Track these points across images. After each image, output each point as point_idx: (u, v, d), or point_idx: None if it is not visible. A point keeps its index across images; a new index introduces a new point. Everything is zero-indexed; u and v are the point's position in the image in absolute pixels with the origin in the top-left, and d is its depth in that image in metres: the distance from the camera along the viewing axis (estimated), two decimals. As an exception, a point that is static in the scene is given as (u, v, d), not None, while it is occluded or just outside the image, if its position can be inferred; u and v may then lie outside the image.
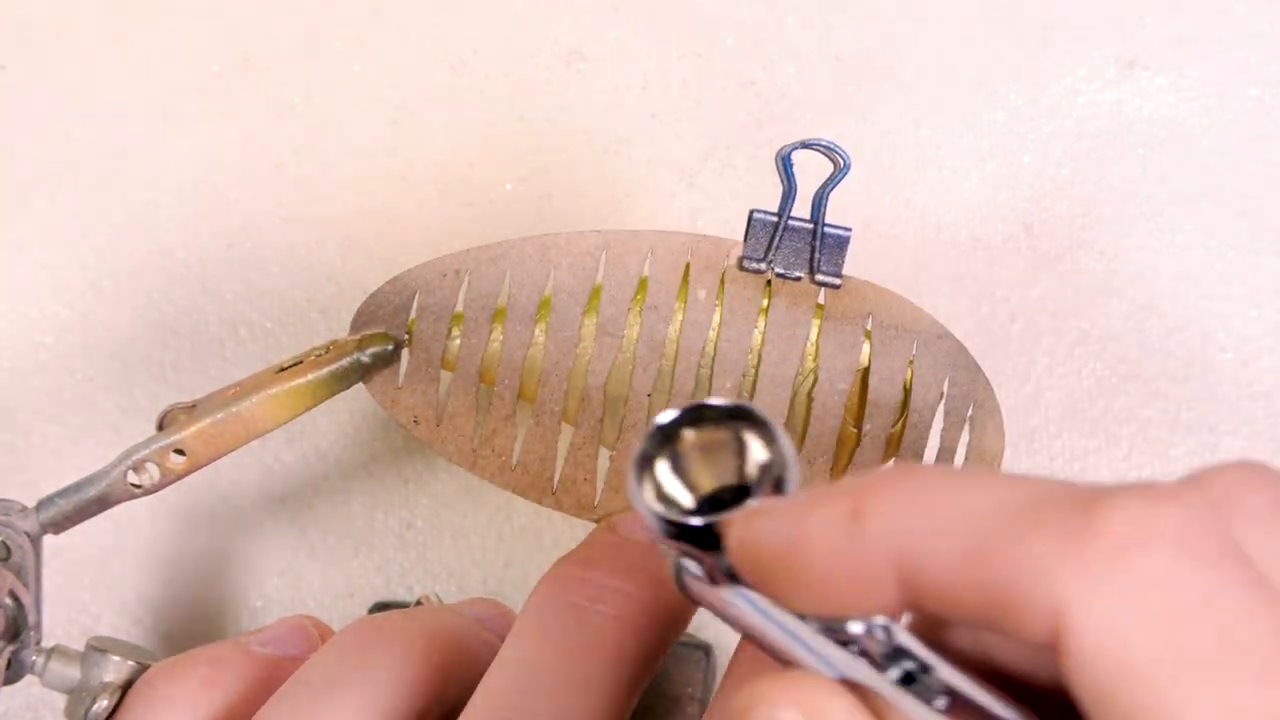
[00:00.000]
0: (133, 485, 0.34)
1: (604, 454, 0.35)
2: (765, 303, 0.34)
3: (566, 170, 0.45)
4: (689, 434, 0.25)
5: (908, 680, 0.21)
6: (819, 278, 0.34)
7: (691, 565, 0.25)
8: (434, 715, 0.32)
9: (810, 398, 0.34)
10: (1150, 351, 0.44)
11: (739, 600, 0.24)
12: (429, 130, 0.45)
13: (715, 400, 0.25)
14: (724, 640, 0.43)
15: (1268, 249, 0.44)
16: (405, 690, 0.31)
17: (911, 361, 0.34)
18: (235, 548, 0.45)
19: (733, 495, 0.24)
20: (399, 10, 0.45)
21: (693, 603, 0.26)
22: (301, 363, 0.35)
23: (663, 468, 0.25)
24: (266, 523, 0.45)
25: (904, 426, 0.34)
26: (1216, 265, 0.44)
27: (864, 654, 0.22)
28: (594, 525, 0.34)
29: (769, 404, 0.34)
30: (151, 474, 0.34)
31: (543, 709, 0.29)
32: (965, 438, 0.35)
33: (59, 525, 0.34)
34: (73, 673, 0.34)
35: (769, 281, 0.34)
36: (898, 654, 0.22)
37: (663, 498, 0.25)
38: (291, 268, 0.45)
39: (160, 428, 0.34)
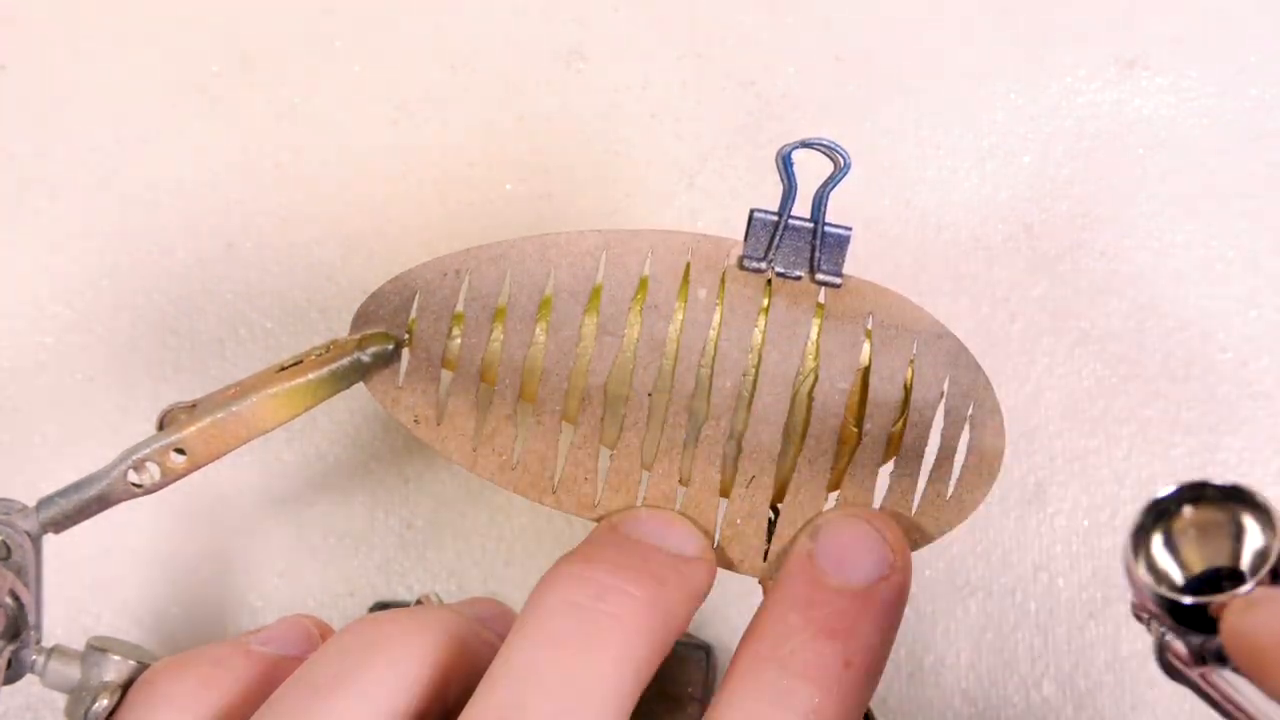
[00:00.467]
0: (133, 485, 0.34)
1: (604, 453, 0.35)
2: (765, 302, 0.34)
3: (566, 170, 0.45)
4: (1187, 511, 0.25)
5: None
6: (819, 277, 0.34)
7: (1176, 644, 0.25)
8: (434, 714, 0.32)
9: (810, 397, 0.34)
10: (1150, 351, 0.44)
11: (1230, 686, 0.24)
12: (429, 130, 0.45)
13: (1216, 480, 0.25)
14: (724, 640, 0.43)
15: (1268, 249, 0.44)
16: (405, 689, 0.31)
17: (912, 361, 0.34)
18: (235, 548, 0.45)
19: (1226, 577, 0.25)
20: (399, 10, 0.45)
21: (1172, 679, 0.26)
22: (302, 362, 0.35)
23: (1157, 542, 0.25)
24: (266, 523, 0.45)
25: (904, 426, 0.34)
26: (1216, 265, 0.44)
27: None
28: (594, 524, 0.34)
29: (769, 403, 0.34)
30: (152, 473, 0.34)
31: (544, 709, 0.29)
32: (965, 437, 0.35)
33: (59, 524, 0.34)
34: (73, 672, 0.34)
35: (769, 281, 0.34)
36: None
37: (1154, 571, 0.25)
38: (291, 268, 0.45)
39: (160, 427, 0.34)
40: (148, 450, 0.34)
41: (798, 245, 0.34)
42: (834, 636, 0.30)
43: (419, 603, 0.39)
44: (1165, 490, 0.25)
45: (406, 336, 0.35)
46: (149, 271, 0.45)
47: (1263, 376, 0.44)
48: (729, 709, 0.30)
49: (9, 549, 0.33)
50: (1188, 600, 0.25)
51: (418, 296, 0.35)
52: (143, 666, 0.34)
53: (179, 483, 0.34)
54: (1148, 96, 0.45)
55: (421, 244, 0.45)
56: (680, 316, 0.34)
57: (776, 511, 0.35)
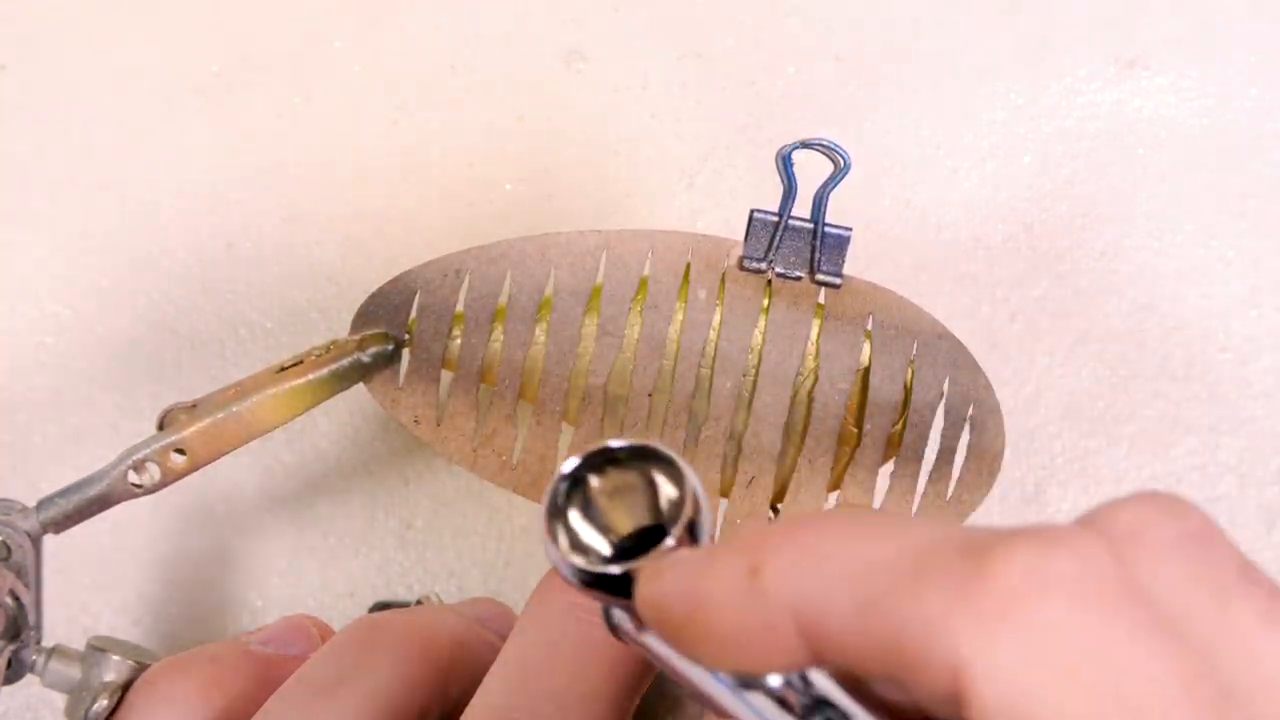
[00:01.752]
0: (133, 485, 0.34)
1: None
2: (766, 302, 0.34)
3: (566, 170, 0.45)
4: (595, 480, 0.24)
5: None
6: (819, 277, 0.34)
7: (618, 611, 0.25)
8: (435, 715, 0.32)
9: (811, 397, 0.34)
10: (1150, 351, 0.44)
11: (661, 649, 0.24)
12: (429, 130, 0.45)
13: (616, 441, 0.24)
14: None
15: (1268, 249, 0.44)
16: (406, 690, 0.31)
17: (912, 361, 0.34)
18: (235, 548, 0.45)
19: (650, 538, 0.24)
20: (399, 10, 0.45)
21: (626, 644, 0.26)
22: (302, 362, 0.35)
23: (575, 516, 0.24)
24: (266, 523, 0.45)
25: (904, 426, 0.34)
26: (1216, 265, 0.44)
27: (784, 704, 0.21)
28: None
29: (769, 403, 0.34)
30: (152, 473, 0.34)
31: (544, 709, 0.29)
32: (965, 437, 0.35)
33: (59, 525, 0.34)
34: (73, 672, 0.34)
35: (769, 281, 0.34)
36: (818, 705, 0.21)
37: (578, 547, 0.24)
38: (291, 268, 0.45)
39: (161, 427, 0.34)
40: (148, 450, 0.34)
41: (798, 246, 0.34)
42: None
43: (419, 603, 0.39)
44: (570, 463, 0.24)
45: (406, 337, 0.35)
46: (149, 271, 0.45)
47: (1263, 376, 0.44)
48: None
49: (9, 549, 0.33)
50: (613, 570, 0.24)
51: (418, 297, 0.35)
52: (143, 666, 0.34)
53: (179, 483, 0.34)
54: (1148, 96, 0.45)
55: (421, 244, 0.45)
56: (680, 317, 0.34)
57: (777, 512, 0.35)
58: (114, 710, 0.33)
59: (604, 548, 0.24)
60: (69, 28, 0.45)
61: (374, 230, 0.45)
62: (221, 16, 0.45)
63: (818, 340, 0.34)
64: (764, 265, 0.34)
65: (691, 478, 0.24)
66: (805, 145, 0.33)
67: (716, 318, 0.34)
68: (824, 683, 0.21)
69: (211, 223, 0.45)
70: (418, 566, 0.45)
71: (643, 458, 0.24)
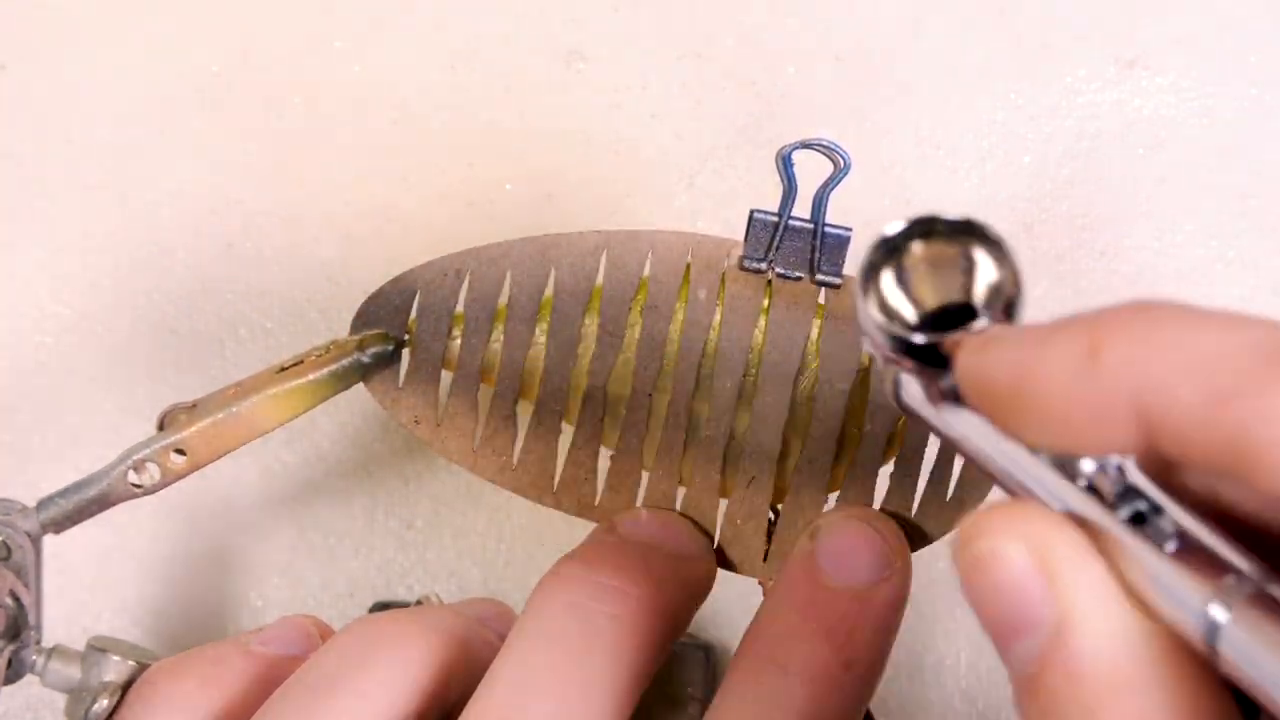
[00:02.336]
0: (133, 485, 0.34)
1: (604, 453, 0.35)
2: (766, 302, 0.34)
3: (566, 170, 0.45)
4: (916, 247, 0.24)
5: (1138, 520, 0.21)
6: (819, 278, 0.34)
7: (911, 383, 0.24)
8: (434, 715, 0.32)
9: (811, 397, 0.34)
10: (1150, 351, 0.44)
11: (964, 424, 0.23)
12: (429, 130, 0.45)
13: (946, 214, 0.24)
14: (724, 640, 0.43)
15: (1268, 249, 0.44)
16: (405, 689, 0.31)
17: (912, 361, 0.34)
18: (235, 548, 0.45)
19: (959, 314, 0.23)
20: (399, 10, 0.45)
21: (910, 418, 0.25)
22: (302, 362, 0.35)
23: (887, 280, 0.24)
24: (266, 523, 0.45)
25: (904, 426, 0.34)
26: (1216, 265, 0.44)
27: (1094, 490, 0.21)
28: (594, 525, 0.34)
29: (769, 403, 0.34)
30: (152, 474, 0.34)
31: (544, 709, 0.29)
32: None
33: (59, 525, 0.34)
34: (73, 672, 0.34)
35: (769, 281, 0.34)
36: (1129, 493, 0.21)
37: (886, 310, 0.24)
38: (291, 268, 0.45)
39: (161, 428, 0.34)
40: (148, 450, 0.34)
41: (798, 246, 0.34)
42: (834, 637, 0.30)
43: (419, 603, 0.39)
44: (894, 226, 0.24)
45: (406, 337, 0.35)
46: (149, 271, 0.45)
47: (1263, 377, 0.44)
48: (729, 709, 0.30)
49: (9, 549, 0.33)
50: (920, 339, 0.23)
51: (418, 297, 0.35)
52: (143, 667, 0.34)
53: (179, 483, 0.34)
54: (1148, 96, 0.45)
55: (421, 244, 0.45)
56: (680, 317, 0.34)
57: (777, 512, 0.35)
58: (114, 710, 0.33)
59: (912, 315, 0.24)
60: (69, 28, 0.45)
61: (374, 230, 0.45)
62: (221, 16, 0.45)
63: (818, 340, 0.34)
64: (764, 265, 0.34)
65: (1014, 259, 0.23)
66: (805, 145, 0.33)
67: (716, 318, 0.34)
68: (1136, 473, 0.21)
69: (211, 223, 0.45)
70: (418, 566, 0.45)
71: (968, 234, 0.24)
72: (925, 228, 0.24)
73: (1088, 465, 0.21)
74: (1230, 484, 0.21)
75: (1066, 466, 0.22)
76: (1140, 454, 0.21)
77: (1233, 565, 0.20)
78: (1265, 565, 0.20)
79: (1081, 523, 0.21)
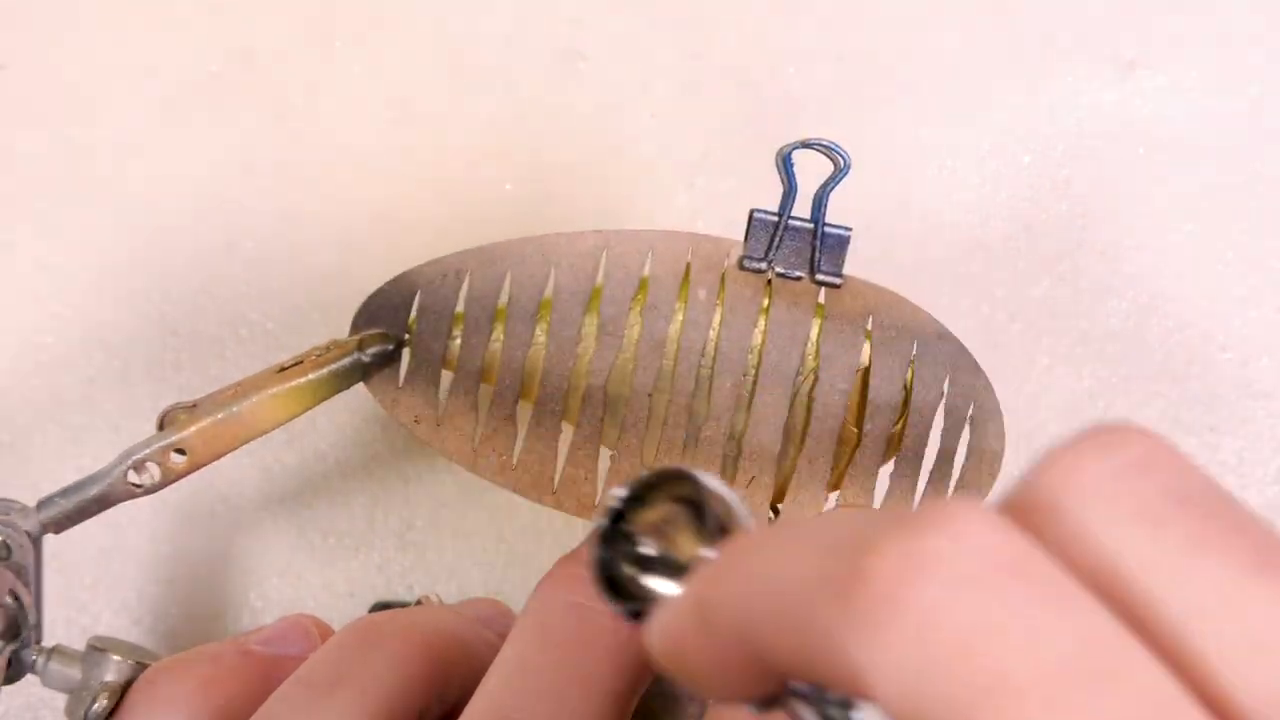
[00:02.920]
0: (133, 485, 0.34)
1: (604, 453, 0.35)
2: (766, 302, 0.34)
3: (566, 170, 0.45)
4: (637, 521, 0.24)
5: None
6: (819, 277, 0.34)
7: None
8: (434, 715, 0.32)
9: (811, 397, 0.34)
10: (1150, 351, 0.44)
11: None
12: (429, 130, 0.45)
13: (622, 489, 0.24)
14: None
15: (1268, 249, 0.44)
16: (405, 689, 0.31)
17: (912, 361, 0.34)
18: (235, 548, 0.45)
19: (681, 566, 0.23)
20: (399, 10, 0.45)
21: None
22: (302, 362, 0.35)
23: (629, 571, 0.24)
24: (266, 523, 0.44)
25: (904, 426, 0.34)
26: (1216, 265, 0.44)
27: (813, 702, 0.20)
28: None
29: (769, 403, 0.34)
30: (152, 473, 0.34)
31: (544, 709, 0.29)
32: (965, 438, 0.35)
33: (59, 524, 0.34)
34: (73, 672, 0.34)
35: (769, 281, 0.34)
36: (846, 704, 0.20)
37: (641, 594, 0.23)
38: (291, 268, 0.45)
39: (161, 427, 0.34)
40: (148, 450, 0.34)
41: (798, 245, 0.34)
42: None
43: (419, 603, 0.39)
44: (599, 521, 0.23)
45: (407, 336, 0.35)
46: (149, 271, 0.45)
47: (1263, 376, 0.44)
48: (730, 708, 0.30)
49: (9, 549, 0.33)
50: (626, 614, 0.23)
51: (418, 296, 0.35)
52: (143, 666, 0.34)
53: (179, 483, 0.34)
54: (1148, 96, 0.45)
55: (421, 244, 0.45)
56: (680, 317, 0.34)
57: (777, 511, 0.35)
58: (114, 710, 0.33)
59: (660, 587, 0.24)
60: (69, 28, 0.45)
61: (374, 230, 0.45)
62: (221, 16, 0.45)
63: (818, 340, 0.34)
64: (764, 265, 0.34)
65: (704, 483, 0.23)
66: (805, 145, 0.33)
67: (716, 317, 0.34)
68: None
69: (211, 223, 0.45)
70: (418, 567, 0.45)
71: (657, 485, 0.24)
72: (630, 501, 0.24)
73: (799, 685, 0.20)
74: None
75: (775, 699, 0.21)
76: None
77: None
78: None
79: None
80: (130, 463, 0.33)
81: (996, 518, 0.18)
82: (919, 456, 0.34)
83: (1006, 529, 0.18)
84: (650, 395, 0.34)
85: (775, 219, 0.34)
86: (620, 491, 0.24)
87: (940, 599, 0.17)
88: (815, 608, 0.18)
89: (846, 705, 0.20)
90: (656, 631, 0.22)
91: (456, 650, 0.32)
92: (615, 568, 0.24)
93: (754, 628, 0.20)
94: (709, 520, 0.23)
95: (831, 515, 0.20)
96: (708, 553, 0.23)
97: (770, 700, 0.21)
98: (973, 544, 0.18)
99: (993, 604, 0.17)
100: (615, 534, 0.24)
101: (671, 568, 0.23)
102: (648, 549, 0.24)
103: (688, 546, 0.23)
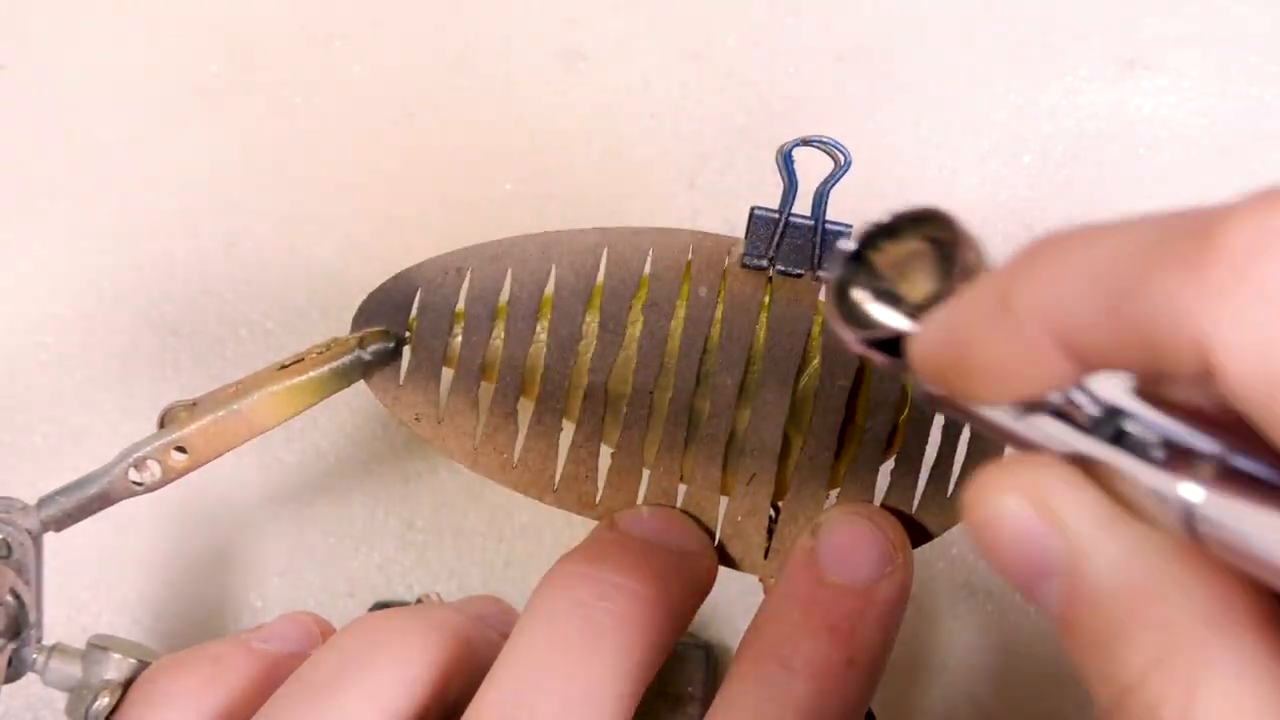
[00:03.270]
0: (134, 483, 0.34)
1: (605, 451, 0.35)
2: (766, 299, 0.34)
3: (566, 170, 0.45)
4: (877, 254, 0.24)
5: (1119, 438, 0.21)
6: (820, 274, 0.34)
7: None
8: (435, 713, 0.32)
9: (812, 394, 0.34)
10: (1150, 351, 0.44)
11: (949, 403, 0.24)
12: (429, 130, 0.45)
13: (887, 216, 0.24)
14: (724, 640, 0.43)
15: (1267, 248, 0.44)
16: (407, 688, 0.31)
17: (913, 359, 0.34)
18: (235, 548, 0.45)
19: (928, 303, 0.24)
20: (399, 10, 0.45)
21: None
22: (303, 360, 0.35)
23: (865, 295, 0.24)
24: (266, 523, 0.44)
25: (905, 424, 0.34)
26: (1216, 264, 0.44)
27: (1070, 420, 0.21)
28: (595, 523, 0.34)
29: (770, 401, 0.34)
30: (153, 471, 0.34)
31: (546, 707, 0.29)
32: (966, 436, 0.35)
33: (60, 523, 0.34)
34: (74, 670, 0.34)
35: (770, 278, 0.34)
36: (1109, 413, 0.21)
37: (862, 323, 0.24)
38: (291, 268, 0.45)
39: (161, 425, 0.34)
40: (149, 448, 0.34)
41: (798, 243, 0.34)
42: (836, 634, 0.30)
43: (419, 602, 0.39)
44: (849, 244, 0.24)
45: (407, 334, 0.35)
46: (149, 271, 0.45)
47: (1263, 376, 0.44)
48: (731, 707, 0.30)
49: (10, 547, 0.33)
50: (889, 335, 0.24)
51: (419, 294, 0.35)
52: (144, 665, 0.34)
53: (179, 482, 0.34)
54: (1148, 96, 0.45)
55: (421, 244, 0.44)
56: (681, 314, 0.34)
57: (778, 509, 0.35)
58: (115, 708, 0.33)
59: (882, 320, 0.24)
60: (69, 28, 0.45)
61: (374, 230, 0.45)
62: (221, 16, 0.45)
63: (819, 337, 0.34)
64: (765, 262, 0.34)
65: (960, 228, 0.24)
66: (806, 142, 0.33)
67: (717, 315, 0.34)
68: (1108, 388, 0.21)
69: (211, 223, 0.45)
70: (418, 566, 0.45)
71: (918, 223, 0.24)
72: (878, 232, 0.25)
73: (1054, 398, 0.22)
74: (1183, 386, 0.21)
75: (1039, 408, 0.22)
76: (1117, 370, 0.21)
77: (1197, 450, 0.20)
78: (1231, 441, 0.20)
79: (1071, 457, 0.22)
80: (131, 460, 0.33)
81: None
82: (920, 453, 0.34)
83: None
84: (651, 393, 0.34)
85: (776, 216, 0.34)
86: (874, 221, 0.24)
87: None
88: (1155, 282, 0.19)
89: (1115, 412, 0.21)
90: (938, 328, 0.23)
91: (458, 648, 0.32)
92: (850, 294, 0.24)
93: (1071, 308, 0.20)
94: (957, 263, 0.24)
95: (1140, 217, 0.20)
96: (947, 294, 0.23)
97: (1034, 405, 0.22)
98: None
99: None
100: (859, 260, 0.24)
101: (906, 303, 0.24)
102: (887, 282, 0.24)
103: (926, 285, 0.24)
